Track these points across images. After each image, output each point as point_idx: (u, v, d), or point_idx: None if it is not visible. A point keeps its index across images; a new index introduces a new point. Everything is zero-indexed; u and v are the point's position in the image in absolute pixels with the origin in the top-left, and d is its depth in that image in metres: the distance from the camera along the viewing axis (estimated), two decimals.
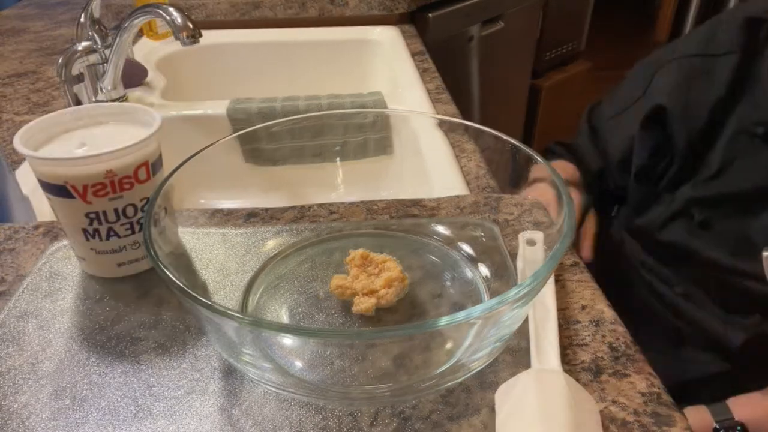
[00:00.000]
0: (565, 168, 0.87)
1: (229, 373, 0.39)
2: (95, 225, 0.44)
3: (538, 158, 0.43)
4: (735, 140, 0.70)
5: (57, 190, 0.42)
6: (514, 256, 0.47)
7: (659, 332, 0.75)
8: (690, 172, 0.73)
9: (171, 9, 0.69)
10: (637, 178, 0.81)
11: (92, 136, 0.45)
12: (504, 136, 0.47)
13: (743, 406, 0.71)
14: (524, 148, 0.45)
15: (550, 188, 0.43)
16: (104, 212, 0.43)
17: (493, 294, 0.45)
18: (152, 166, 0.45)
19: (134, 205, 0.45)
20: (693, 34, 0.80)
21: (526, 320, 0.41)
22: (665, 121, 0.75)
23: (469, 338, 0.38)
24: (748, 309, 0.71)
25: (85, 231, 0.44)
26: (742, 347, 0.71)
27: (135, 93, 0.90)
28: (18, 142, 0.42)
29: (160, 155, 0.46)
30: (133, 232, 0.46)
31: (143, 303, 0.45)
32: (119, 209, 0.44)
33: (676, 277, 0.76)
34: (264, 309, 0.45)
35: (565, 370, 0.38)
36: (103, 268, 0.47)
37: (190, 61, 1.14)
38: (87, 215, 0.43)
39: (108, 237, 0.44)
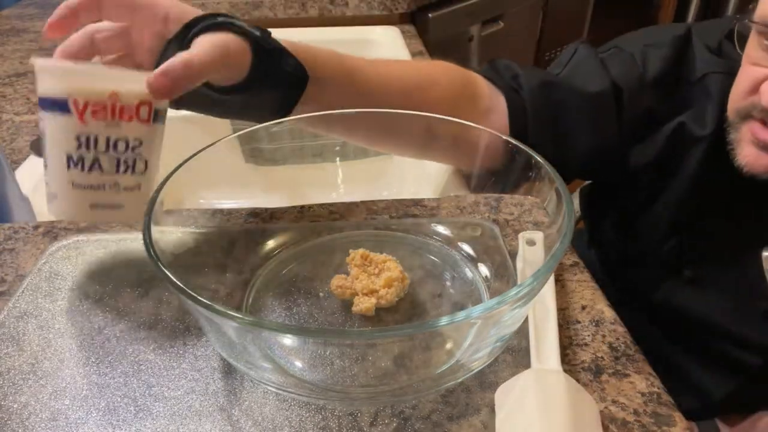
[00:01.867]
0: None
1: (229, 373, 0.39)
2: (82, 151, 0.41)
3: (538, 158, 0.43)
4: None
5: (56, 104, 0.41)
6: (514, 256, 0.47)
7: None
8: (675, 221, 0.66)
9: None
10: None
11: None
12: (504, 136, 0.47)
13: (732, 425, 0.70)
14: (524, 148, 0.45)
15: None
16: (96, 138, 0.41)
17: (493, 294, 0.45)
18: (155, 112, 0.43)
19: (127, 141, 0.42)
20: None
21: (526, 320, 0.41)
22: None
23: (469, 338, 0.38)
24: (734, 373, 0.67)
25: (69, 158, 0.42)
26: (724, 399, 0.68)
27: None
28: (35, 58, 0.42)
29: (166, 112, 0.45)
30: (118, 172, 0.43)
31: (143, 303, 0.45)
32: (111, 139, 0.42)
33: (666, 329, 0.71)
34: (264, 309, 0.45)
35: (565, 370, 0.38)
36: (75, 206, 0.44)
37: None
38: (77, 138, 0.41)
39: (91, 168, 0.42)
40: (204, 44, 0.43)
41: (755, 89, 0.53)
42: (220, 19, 0.45)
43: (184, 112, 0.91)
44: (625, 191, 0.70)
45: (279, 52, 0.48)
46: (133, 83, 0.41)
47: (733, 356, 0.66)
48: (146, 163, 0.44)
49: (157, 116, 0.44)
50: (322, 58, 0.52)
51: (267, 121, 0.50)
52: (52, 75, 0.41)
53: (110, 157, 0.42)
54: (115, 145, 0.42)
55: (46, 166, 0.44)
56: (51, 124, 0.42)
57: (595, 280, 0.48)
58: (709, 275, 0.66)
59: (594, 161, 0.64)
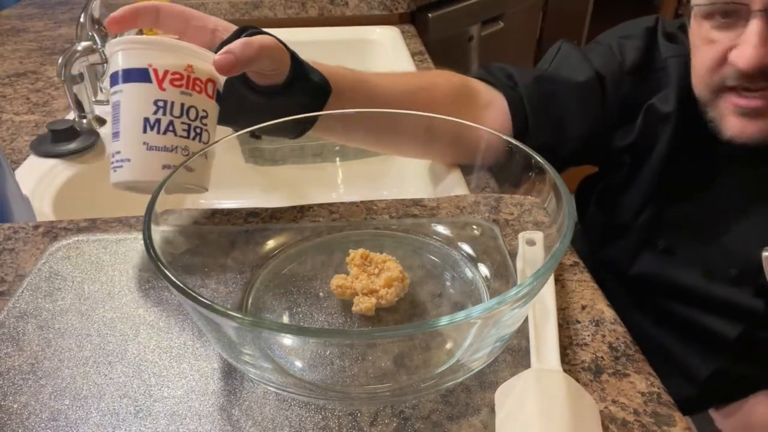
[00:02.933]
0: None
1: (229, 373, 0.39)
2: (159, 114, 0.45)
3: (538, 158, 0.43)
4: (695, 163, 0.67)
5: (137, 74, 0.45)
6: (514, 256, 0.47)
7: None
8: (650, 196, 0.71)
9: None
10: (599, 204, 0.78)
11: None
12: (504, 136, 0.47)
13: (726, 416, 0.71)
14: (524, 148, 0.45)
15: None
16: (172, 103, 0.46)
17: (493, 294, 0.45)
18: (217, 92, 0.49)
19: (197, 110, 0.47)
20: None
21: (526, 320, 0.41)
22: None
23: (469, 338, 0.38)
24: (715, 349, 0.70)
25: (146, 121, 0.45)
26: (708, 378, 0.70)
27: None
28: (112, 39, 0.46)
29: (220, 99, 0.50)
30: (188, 137, 0.47)
31: (143, 303, 0.45)
32: (185, 105, 0.46)
33: (649, 307, 0.74)
34: (264, 309, 0.45)
35: (565, 370, 0.38)
36: (149, 167, 0.46)
37: None
38: (155, 102, 0.45)
39: (166, 131, 0.46)
40: (257, 35, 0.49)
41: (721, 62, 0.58)
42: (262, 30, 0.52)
43: None
44: (609, 171, 0.76)
45: (307, 64, 0.55)
46: (203, 61, 0.47)
47: (710, 327, 0.69)
48: (209, 136, 0.48)
49: (219, 96, 0.49)
50: (337, 72, 0.58)
51: (295, 134, 0.55)
52: (136, 48, 0.46)
53: (183, 123, 0.46)
54: (188, 112, 0.46)
55: (116, 135, 0.47)
56: (130, 93, 0.46)
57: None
58: (681, 244, 0.70)
59: (585, 144, 0.70)
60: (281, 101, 0.52)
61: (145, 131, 0.46)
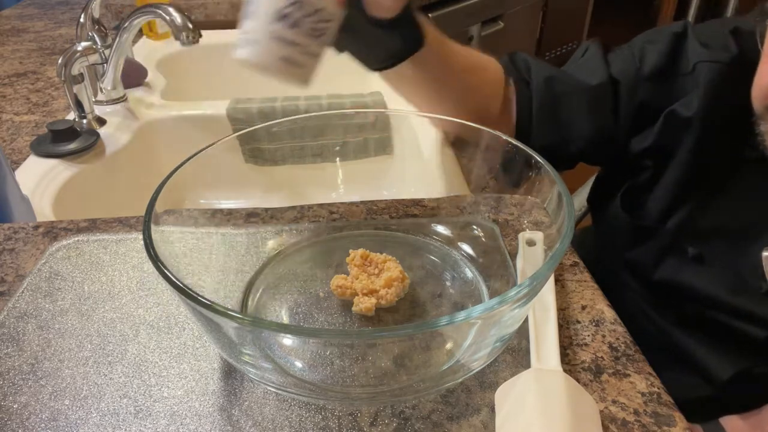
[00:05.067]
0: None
1: (229, 373, 0.39)
2: (291, 9, 0.47)
3: (538, 158, 0.43)
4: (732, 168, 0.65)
5: None
6: (514, 256, 0.47)
7: (642, 345, 0.73)
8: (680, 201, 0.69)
9: (171, 9, 0.69)
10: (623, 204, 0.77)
11: None
12: (504, 136, 0.47)
13: (736, 426, 0.70)
14: (524, 148, 0.45)
15: None
16: (303, 2, 0.47)
17: (493, 294, 0.45)
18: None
19: (325, 13, 0.49)
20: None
21: (526, 320, 0.41)
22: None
23: (469, 338, 0.38)
24: (740, 349, 0.68)
25: (278, 12, 0.47)
26: (730, 380, 0.68)
27: (135, 93, 0.90)
28: None
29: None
30: (311, 36, 0.49)
31: (143, 303, 0.45)
32: (315, 6, 0.48)
33: (670, 309, 0.72)
34: (264, 309, 0.45)
35: (565, 370, 0.38)
36: (269, 55, 0.48)
37: (190, 61, 1.14)
38: None
39: (293, 26, 0.48)
40: None
41: None
42: None
43: (183, 112, 0.91)
44: (629, 174, 0.75)
45: (416, 12, 0.58)
46: None
47: (736, 331, 0.68)
48: (329, 39, 0.51)
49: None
50: (429, 31, 0.61)
51: (375, 67, 0.60)
52: None
53: (310, 22, 0.48)
54: (317, 12, 0.48)
55: (250, 15, 0.49)
56: None
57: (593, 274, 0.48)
58: (712, 253, 0.68)
59: (593, 146, 0.70)
60: (378, 34, 0.55)
61: (275, 21, 0.47)
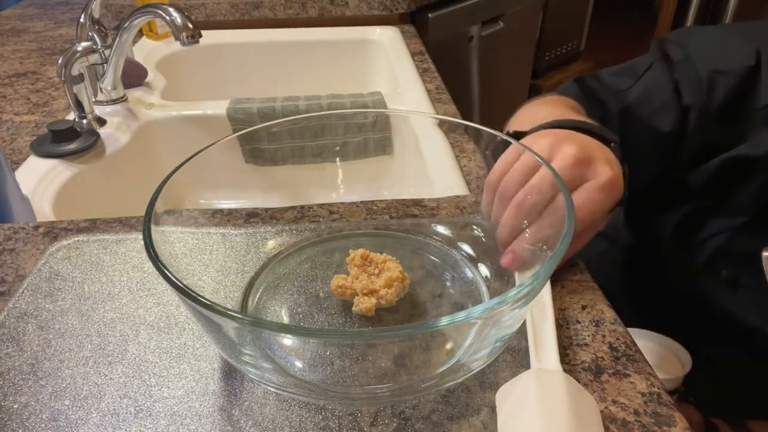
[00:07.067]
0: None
1: (229, 374, 0.39)
2: None
3: (538, 158, 0.43)
4: None
5: None
6: None
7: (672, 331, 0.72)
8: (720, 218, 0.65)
9: (171, 9, 0.69)
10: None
11: None
12: (504, 136, 0.47)
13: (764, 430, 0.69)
14: (524, 147, 0.45)
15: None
16: None
17: (493, 294, 0.45)
18: None
19: None
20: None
21: (525, 320, 0.41)
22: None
23: (470, 338, 0.38)
24: None
25: None
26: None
27: (135, 93, 0.90)
28: None
29: None
30: None
31: (143, 303, 0.45)
32: None
33: (705, 327, 0.70)
34: (264, 309, 0.45)
35: (566, 370, 0.38)
36: None
37: (190, 61, 1.14)
38: None
39: None
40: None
41: None
42: None
43: (183, 112, 0.91)
44: (680, 201, 0.71)
45: None
46: None
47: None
48: None
49: None
50: None
51: None
52: None
53: None
54: None
55: None
56: None
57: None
58: (747, 277, 0.65)
59: (648, 186, 0.68)
60: None
61: None
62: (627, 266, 0.81)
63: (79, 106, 0.77)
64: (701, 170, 0.64)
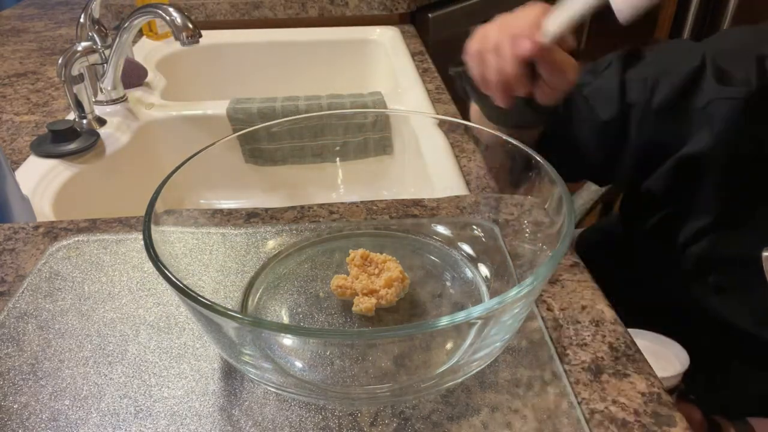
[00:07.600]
0: None
1: (229, 374, 0.39)
2: None
3: (538, 158, 0.43)
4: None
5: None
6: (514, 256, 0.47)
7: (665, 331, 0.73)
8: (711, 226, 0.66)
9: (171, 9, 0.69)
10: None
11: None
12: (504, 136, 0.47)
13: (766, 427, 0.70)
14: (524, 148, 0.45)
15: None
16: None
17: (493, 294, 0.45)
18: None
19: None
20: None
21: (526, 320, 0.41)
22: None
23: (469, 338, 0.38)
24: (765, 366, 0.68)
25: None
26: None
27: (135, 93, 0.90)
28: None
29: None
30: None
31: (143, 303, 0.45)
32: None
33: (703, 331, 0.71)
34: (264, 309, 0.45)
35: (566, 370, 0.38)
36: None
37: (190, 61, 1.14)
38: None
39: None
40: None
41: None
42: None
43: (183, 112, 0.91)
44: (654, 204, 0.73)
45: None
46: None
47: (760, 360, 0.67)
48: None
49: None
50: None
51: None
52: None
53: None
54: None
55: None
56: None
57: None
58: (733, 282, 0.66)
59: (603, 172, 0.72)
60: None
61: None
62: (626, 267, 0.82)
63: (79, 106, 0.77)
64: (658, 174, 0.66)
